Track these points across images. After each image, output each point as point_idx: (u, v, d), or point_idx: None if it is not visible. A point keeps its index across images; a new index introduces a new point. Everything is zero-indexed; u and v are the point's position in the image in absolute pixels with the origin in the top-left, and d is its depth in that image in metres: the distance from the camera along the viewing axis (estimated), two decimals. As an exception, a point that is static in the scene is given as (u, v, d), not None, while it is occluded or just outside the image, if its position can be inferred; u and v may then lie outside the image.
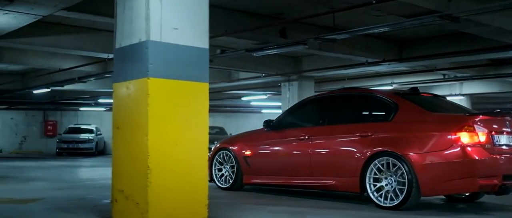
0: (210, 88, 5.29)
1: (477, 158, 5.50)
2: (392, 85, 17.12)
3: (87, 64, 14.16)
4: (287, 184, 7.24)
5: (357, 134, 6.27)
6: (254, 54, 10.74)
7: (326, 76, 16.88)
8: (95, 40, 11.64)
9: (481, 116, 5.80)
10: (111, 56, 12.11)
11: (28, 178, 10.89)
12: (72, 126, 26.98)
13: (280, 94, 17.34)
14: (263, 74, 15.67)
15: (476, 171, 5.49)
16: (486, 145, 5.58)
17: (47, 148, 28.53)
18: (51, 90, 19.14)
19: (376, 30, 8.71)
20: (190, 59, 5.09)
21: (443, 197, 6.99)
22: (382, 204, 5.91)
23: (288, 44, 10.10)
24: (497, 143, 5.73)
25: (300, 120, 7.54)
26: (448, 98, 19.58)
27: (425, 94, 6.88)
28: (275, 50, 10.45)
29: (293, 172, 7.00)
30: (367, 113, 6.79)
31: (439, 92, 20.01)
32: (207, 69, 5.24)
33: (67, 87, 18.10)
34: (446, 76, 16.49)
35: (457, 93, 19.82)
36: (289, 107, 8.25)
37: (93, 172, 13.12)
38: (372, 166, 6.01)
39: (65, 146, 24.05)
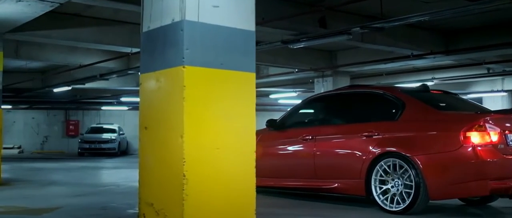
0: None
1: (488, 159, 5.17)
2: (433, 81, 16.07)
3: (109, 60, 13.36)
4: (291, 187, 6.90)
5: (362, 134, 5.99)
6: (291, 46, 9.82)
7: (363, 71, 15.88)
8: (117, 33, 10.82)
9: (493, 114, 5.51)
10: (134, 50, 11.30)
11: (47, 181, 10.19)
12: (94, 125, 26.38)
13: (311, 92, 16.37)
14: (296, 70, 14.73)
15: (487, 173, 5.16)
16: (499, 145, 5.24)
17: (69, 148, 28.07)
18: (72, 89, 18.50)
19: (436, 17, 7.71)
20: (234, 44, 4.17)
21: (456, 200, 6.56)
22: (387, 208, 5.62)
23: (329, 35, 9.15)
24: (511, 142, 5.37)
25: (305, 119, 7.26)
26: (489, 94, 18.73)
27: (435, 92, 6.57)
28: (314, 41, 9.55)
29: (297, 174, 6.74)
30: (373, 111, 6.42)
31: (479, 88, 18.98)
32: (253, 56, 4.32)
33: (88, 85, 17.41)
34: (491, 71, 15.35)
35: (499, 89, 18.64)
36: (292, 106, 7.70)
37: (117, 175, 12.35)
38: (377, 167, 5.73)
39: (87, 146, 23.43)
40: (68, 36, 10.47)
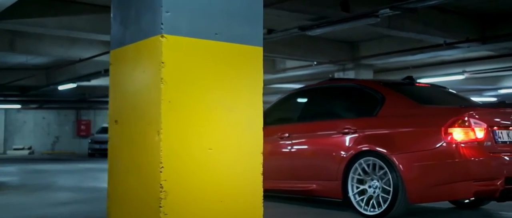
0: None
1: (472, 157, 4.71)
2: (463, 75, 14.82)
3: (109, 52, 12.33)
4: (268, 189, 6.05)
5: (338, 131, 5.57)
6: (309, 32, 8.72)
7: (387, 64, 14.68)
8: (116, 21, 9.78)
9: (479, 108, 5.15)
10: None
11: (42, 185, 9.31)
12: (106, 125, 25.51)
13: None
14: (315, 63, 13.60)
15: (470, 174, 4.68)
16: (485, 142, 4.77)
17: (80, 148, 27.32)
18: (80, 87, 17.59)
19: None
20: (234, 7, 3.10)
21: (447, 202, 6.07)
22: (363, 211, 5.15)
23: (353, 18, 8.02)
24: (499, 139, 4.87)
25: (284, 116, 6.80)
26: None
27: (421, 85, 6.12)
28: (335, 26, 8.43)
29: (275, 174, 6.13)
30: (352, 106, 6.03)
31: (509, 83, 17.64)
32: (260, 24, 3.23)
33: (95, 82, 16.52)
34: (528, 62, 14.07)
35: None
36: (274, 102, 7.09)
37: (119, 177, 11.35)
38: (354, 168, 5.29)
39: (98, 147, 22.58)
40: (63, 25, 9.50)
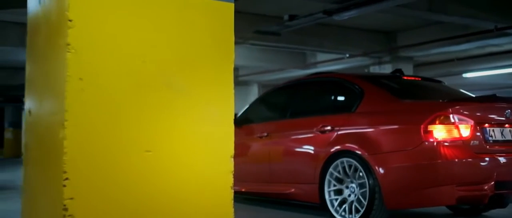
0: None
1: (455, 159, 4.31)
2: (512, 69, 13.45)
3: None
4: (247, 192, 6.12)
5: (316, 130, 5.23)
6: (336, 17, 7.69)
7: (430, 57, 13.40)
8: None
9: (465, 102, 4.70)
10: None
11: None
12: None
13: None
14: (347, 55, 12.49)
15: (453, 177, 4.28)
16: (472, 142, 4.38)
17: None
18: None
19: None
20: None
21: (443, 208, 5.72)
22: (335, 213, 4.85)
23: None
24: (490, 138, 4.48)
25: (264, 114, 6.56)
26: None
27: (409, 78, 5.69)
28: (365, 8, 7.41)
29: (254, 177, 6.03)
30: (331, 102, 5.78)
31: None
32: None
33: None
34: None
35: None
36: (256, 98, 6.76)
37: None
38: (330, 170, 4.94)
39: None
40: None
